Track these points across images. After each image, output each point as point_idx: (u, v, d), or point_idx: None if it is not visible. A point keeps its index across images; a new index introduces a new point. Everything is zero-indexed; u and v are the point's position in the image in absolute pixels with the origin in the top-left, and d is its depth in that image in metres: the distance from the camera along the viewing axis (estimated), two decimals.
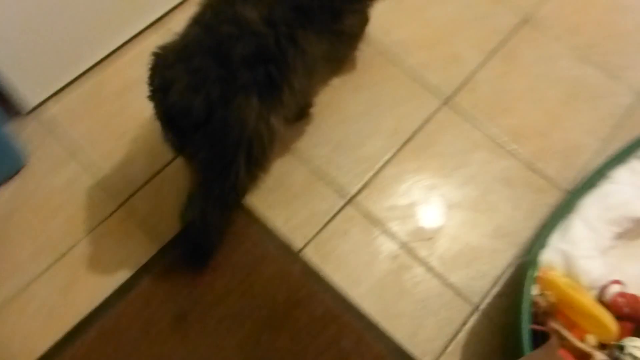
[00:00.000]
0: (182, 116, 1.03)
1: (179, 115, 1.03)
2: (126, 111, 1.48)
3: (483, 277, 1.31)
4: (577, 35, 1.65)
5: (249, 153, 1.10)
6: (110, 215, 1.36)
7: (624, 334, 1.10)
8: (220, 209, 1.23)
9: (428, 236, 1.35)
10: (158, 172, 1.41)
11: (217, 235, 1.31)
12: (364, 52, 1.56)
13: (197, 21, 1.11)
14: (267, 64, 1.05)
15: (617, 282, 1.16)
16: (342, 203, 1.38)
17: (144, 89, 1.08)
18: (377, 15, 1.45)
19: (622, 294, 1.13)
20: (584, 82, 1.58)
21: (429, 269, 1.32)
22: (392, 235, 1.35)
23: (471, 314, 1.28)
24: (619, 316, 1.12)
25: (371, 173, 1.42)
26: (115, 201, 1.38)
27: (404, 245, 1.34)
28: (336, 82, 1.51)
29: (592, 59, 1.62)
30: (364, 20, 1.42)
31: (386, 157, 1.44)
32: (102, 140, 1.45)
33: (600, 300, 1.15)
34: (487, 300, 1.29)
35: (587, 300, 1.11)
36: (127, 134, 1.45)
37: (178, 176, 1.40)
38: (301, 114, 1.45)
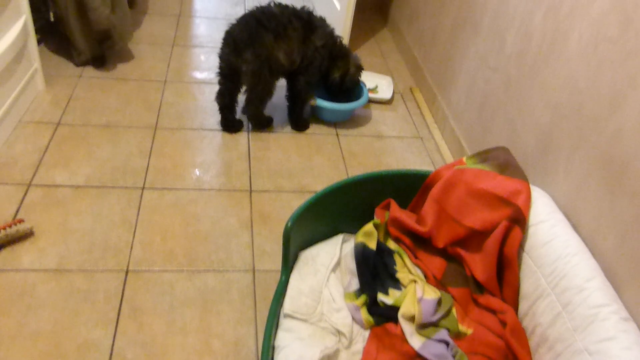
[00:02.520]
0: (239, 40, 2.16)
1: (238, 38, 2.16)
2: None
3: None
4: (176, 257, 1.76)
5: (270, 66, 2.21)
6: None
7: None
8: (257, 105, 2.36)
9: None
10: None
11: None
12: None
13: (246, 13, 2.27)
14: (278, 27, 2.17)
15: None
16: None
17: None
18: None
19: None
20: (207, 288, 1.68)
21: None
22: None
23: None
24: None
25: None
26: None
27: None
28: None
29: (200, 267, 1.74)
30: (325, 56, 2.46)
31: None
32: None
33: None
34: None
35: None
36: None
37: None
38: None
